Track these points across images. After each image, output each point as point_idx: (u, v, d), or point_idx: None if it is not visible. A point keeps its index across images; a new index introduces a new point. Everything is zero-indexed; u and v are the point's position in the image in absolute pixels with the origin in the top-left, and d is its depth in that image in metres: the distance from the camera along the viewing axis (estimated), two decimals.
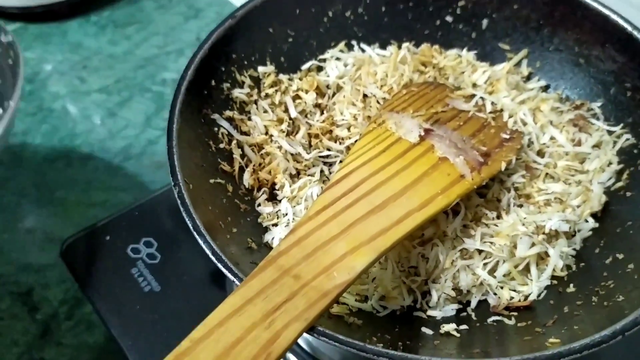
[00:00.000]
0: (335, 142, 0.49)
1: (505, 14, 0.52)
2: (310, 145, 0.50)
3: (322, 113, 0.51)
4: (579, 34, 0.50)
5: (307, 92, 0.51)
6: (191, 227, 0.38)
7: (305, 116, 0.51)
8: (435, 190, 0.42)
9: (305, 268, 0.36)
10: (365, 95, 0.51)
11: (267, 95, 0.51)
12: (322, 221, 0.39)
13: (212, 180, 0.45)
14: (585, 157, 0.47)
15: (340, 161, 0.48)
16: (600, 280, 0.40)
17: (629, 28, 0.46)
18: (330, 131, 0.50)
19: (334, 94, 0.52)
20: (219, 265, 0.37)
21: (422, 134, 0.45)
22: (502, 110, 0.49)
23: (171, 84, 0.82)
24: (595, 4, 0.48)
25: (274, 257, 0.36)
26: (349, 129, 0.50)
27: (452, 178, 0.43)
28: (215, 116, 0.47)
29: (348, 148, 0.49)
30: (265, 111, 0.50)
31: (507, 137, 0.47)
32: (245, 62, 0.51)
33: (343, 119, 0.50)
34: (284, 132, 0.49)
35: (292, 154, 0.48)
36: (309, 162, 0.48)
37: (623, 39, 0.47)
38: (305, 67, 0.54)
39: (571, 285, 0.42)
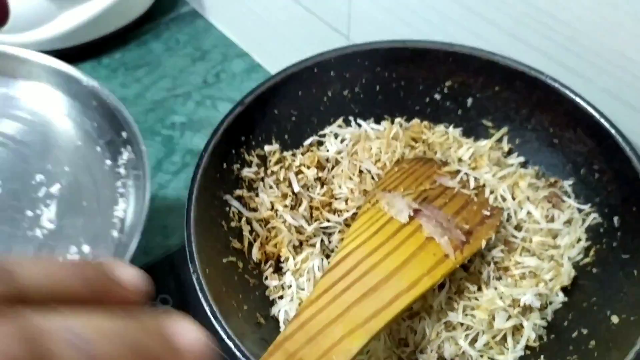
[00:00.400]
0: (334, 214, 0.55)
1: (487, 94, 0.58)
2: (311, 217, 0.55)
3: (322, 186, 0.57)
4: (553, 116, 0.55)
5: (308, 167, 0.57)
6: (210, 314, 0.44)
7: (307, 189, 0.57)
8: (422, 271, 0.47)
9: (308, 352, 0.42)
10: (361, 171, 0.56)
11: (272, 172, 0.57)
12: (322, 305, 0.44)
13: (224, 260, 0.50)
14: (557, 233, 0.53)
15: (340, 231, 0.54)
16: (567, 355, 0.46)
17: (597, 115, 0.52)
18: (330, 203, 0.55)
19: (332, 167, 0.58)
20: (238, 354, 0.42)
21: (412, 214, 0.51)
22: (484, 186, 0.55)
23: (179, 127, 0.87)
24: (567, 92, 0.53)
25: (280, 342, 0.42)
26: (346, 201, 0.55)
27: (437, 258, 0.49)
28: (227, 197, 0.53)
29: (346, 220, 0.54)
30: (271, 187, 0.56)
31: (488, 214, 0.52)
32: (253, 143, 0.56)
33: (341, 193, 0.55)
34: (287, 206, 0.55)
35: (295, 227, 0.54)
36: (311, 233, 0.54)
37: (591, 125, 0.52)
38: (306, 142, 0.59)
39: (542, 356, 0.48)
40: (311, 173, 0.56)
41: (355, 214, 0.54)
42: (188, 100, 0.90)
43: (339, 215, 0.55)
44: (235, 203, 0.53)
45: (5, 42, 0.90)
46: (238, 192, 0.54)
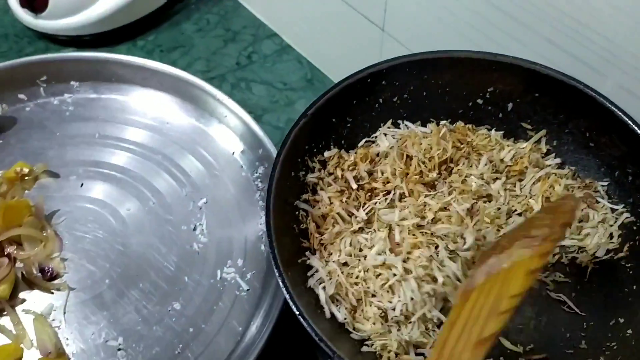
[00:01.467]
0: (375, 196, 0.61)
1: (527, 99, 0.63)
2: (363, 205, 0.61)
3: (370, 175, 0.62)
4: (589, 122, 0.60)
5: (362, 161, 0.62)
6: (297, 314, 0.50)
7: (357, 181, 0.62)
8: None
9: None
10: (408, 157, 0.62)
11: (329, 173, 0.62)
12: None
13: (299, 260, 0.56)
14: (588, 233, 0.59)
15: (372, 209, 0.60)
16: (606, 341, 0.53)
17: (631, 123, 0.57)
18: (374, 188, 0.61)
19: (380, 160, 0.63)
20: (321, 344, 0.49)
21: None
22: None
23: None
24: (603, 100, 0.58)
25: None
26: (384, 183, 0.61)
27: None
28: (297, 202, 0.59)
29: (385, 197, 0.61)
30: (330, 185, 0.61)
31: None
32: (315, 150, 0.61)
33: (382, 175, 0.61)
34: (343, 201, 0.60)
35: (348, 215, 0.60)
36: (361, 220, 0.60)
37: (626, 131, 0.57)
38: (360, 144, 0.64)
39: (583, 341, 0.54)
40: (364, 167, 0.61)
41: (388, 192, 0.60)
42: (223, 83, 0.92)
43: (377, 196, 0.61)
44: (303, 205, 0.59)
45: (45, 27, 0.93)
46: (304, 196, 0.60)
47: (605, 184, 0.61)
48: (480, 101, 0.65)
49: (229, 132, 0.78)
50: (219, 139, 0.79)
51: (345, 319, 0.55)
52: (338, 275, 0.56)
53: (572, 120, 0.61)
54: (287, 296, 0.51)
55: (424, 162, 0.62)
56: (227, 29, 1.01)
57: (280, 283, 0.51)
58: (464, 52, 0.62)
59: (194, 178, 0.75)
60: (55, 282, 0.66)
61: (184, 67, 0.95)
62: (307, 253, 0.58)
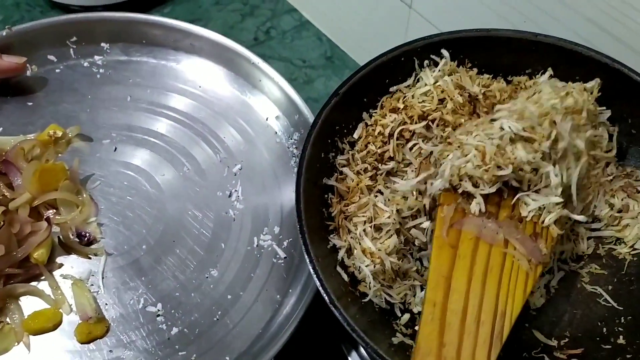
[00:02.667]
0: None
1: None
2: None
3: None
4: (632, 108, 0.58)
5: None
6: (328, 302, 0.48)
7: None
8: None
9: None
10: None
11: (358, 151, 0.60)
12: None
13: (328, 246, 0.54)
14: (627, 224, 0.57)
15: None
16: None
17: None
18: None
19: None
20: (354, 335, 0.47)
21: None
22: None
23: None
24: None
25: None
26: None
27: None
28: (326, 180, 0.57)
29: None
30: (357, 164, 0.59)
31: None
32: (345, 131, 0.59)
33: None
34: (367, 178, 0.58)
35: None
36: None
37: None
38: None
39: (620, 337, 0.53)
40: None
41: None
42: None
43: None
44: (333, 183, 0.57)
45: None
46: (333, 177, 0.58)
47: None
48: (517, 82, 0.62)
49: (263, 98, 0.77)
50: (253, 104, 0.77)
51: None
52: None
53: (615, 106, 0.59)
54: (319, 284, 0.49)
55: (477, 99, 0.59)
56: (245, 2, 0.99)
57: (312, 270, 0.49)
58: (504, 31, 0.60)
59: (228, 144, 0.74)
60: (93, 247, 0.65)
61: None
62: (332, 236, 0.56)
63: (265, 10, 0.98)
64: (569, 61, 0.59)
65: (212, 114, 0.76)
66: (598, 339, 0.54)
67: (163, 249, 0.65)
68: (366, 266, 0.53)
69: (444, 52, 0.60)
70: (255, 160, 0.72)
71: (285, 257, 0.65)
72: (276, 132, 0.74)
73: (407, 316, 0.54)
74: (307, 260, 0.50)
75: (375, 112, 0.60)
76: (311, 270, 0.49)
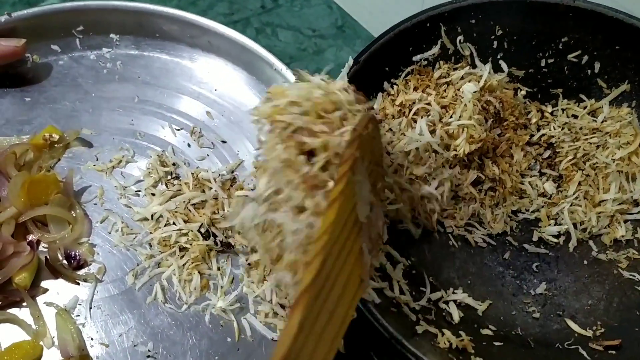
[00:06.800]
0: None
1: (605, 52, 0.56)
2: None
3: None
4: None
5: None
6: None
7: None
8: None
9: None
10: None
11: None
12: None
13: None
14: None
15: None
16: None
17: None
18: None
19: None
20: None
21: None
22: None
23: None
24: None
25: None
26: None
27: None
28: None
29: None
30: None
31: None
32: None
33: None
34: None
35: None
36: None
37: None
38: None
39: None
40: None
41: None
42: (247, 28, 0.85)
43: None
44: None
45: None
46: None
47: None
48: (551, 52, 0.57)
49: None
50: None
51: None
52: None
53: None
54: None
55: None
56: None
57: None
58: None
59: (242, 158, 0.66)
60: (82, 271, 0.58)
61: (205, 9, 0.85)
62: None
63: None
64: (607, 30, 0.55)
65: (227, 123, 0.68)
66: (637, 329, 0.50)
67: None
68: None
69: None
70: None
71: None
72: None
73: None
74: None
75: (396, 83, 0.56)
76: None
